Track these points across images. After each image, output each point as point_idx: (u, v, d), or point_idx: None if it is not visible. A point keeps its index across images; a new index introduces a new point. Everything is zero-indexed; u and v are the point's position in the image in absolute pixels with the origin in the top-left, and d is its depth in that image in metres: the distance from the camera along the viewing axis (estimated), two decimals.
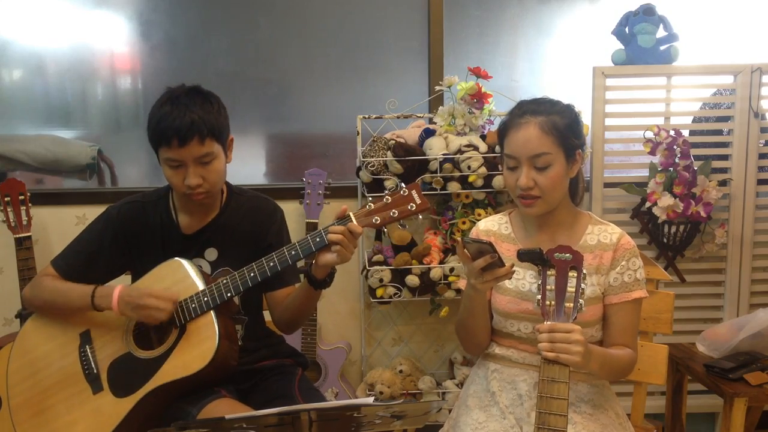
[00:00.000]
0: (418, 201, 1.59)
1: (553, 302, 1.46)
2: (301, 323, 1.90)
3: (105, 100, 2.91)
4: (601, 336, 1.69)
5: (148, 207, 1.83)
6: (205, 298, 1.67)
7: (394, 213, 1.59)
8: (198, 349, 1.65)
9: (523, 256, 1.52)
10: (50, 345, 1.79)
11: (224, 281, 1.68)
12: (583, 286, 1.46)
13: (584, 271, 1.47)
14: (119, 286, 1.71)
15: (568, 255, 1.48)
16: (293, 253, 1.65)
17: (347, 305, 2.86)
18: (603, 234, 1.67)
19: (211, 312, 1.67)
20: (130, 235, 1.81)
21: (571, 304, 1.45)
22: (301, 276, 1.78)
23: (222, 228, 1.83)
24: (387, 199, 1.60)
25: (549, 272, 1.48)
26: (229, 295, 1.67)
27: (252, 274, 1.66)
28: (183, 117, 1.64)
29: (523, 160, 1.59)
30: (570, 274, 1.47)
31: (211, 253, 1.82)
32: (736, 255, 2.73)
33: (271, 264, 1.66)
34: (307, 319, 2.53)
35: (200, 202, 1.75)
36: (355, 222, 1.61)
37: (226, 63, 2.89)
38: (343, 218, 1.62)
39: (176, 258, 1.75)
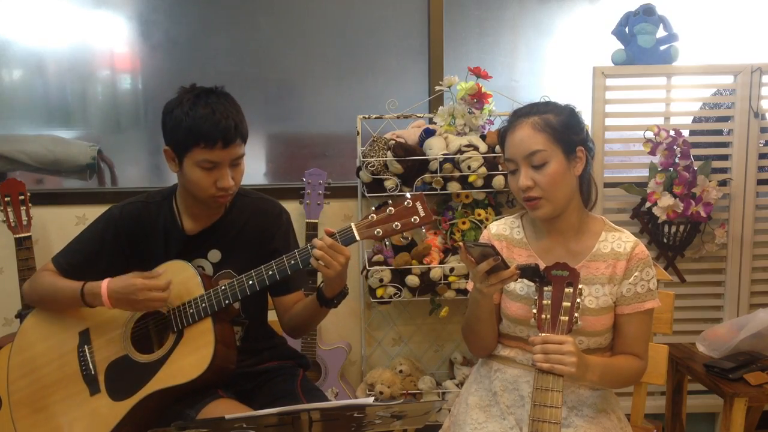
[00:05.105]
0: (422, 213, 1.56)
1: (548, 316, 1.47)
2: (307, 331, 1.90)
3: (105, 100, 2.91)
4: (609, 343, 1.68)
5: (151, 207, 1.82)
6: (203, 304, 1.67)
7: (396, 225, 1.57)
8: (194, 356, 1.65)
9: (521, 272, 1.52)
10: (50, 342, 1.79)
11: (222, 288, 1.67)
12: (579, 300, 1.47)
13: (581, 286, 1.49)
14: (105, 281, 1.68)
15: (565, 272, 1.49)
16: (293, 262, 1.63)
17: (347, 305, 2.83)
18: (617, 242, 1.64)
19: (209, 318, 1.67)
20: (132, 236, 1.80)
21: (567, 317, 1.46)
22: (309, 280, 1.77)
23: (226, 230, 1.81)
24: (390, 210, 1.57)
25: (546, 288, 1.50)
26: (227, 302, 1.66)
27: (251, 282, 1.65)
28: (227, 119, 1.65)
29: (520, 161, 1.60)
30: (566, 290, 1.48)
31: (215, 255, 1.81)
32: (736, 255, 2.73)
33: (270, 273, 1.64)
34: (313, 328, 2.53)
35: (222, 204, 1.76)
36: (356, 233, 1.58)
37: (227, 63, 2.89)
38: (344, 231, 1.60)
39: (177, 260, 1.75)
